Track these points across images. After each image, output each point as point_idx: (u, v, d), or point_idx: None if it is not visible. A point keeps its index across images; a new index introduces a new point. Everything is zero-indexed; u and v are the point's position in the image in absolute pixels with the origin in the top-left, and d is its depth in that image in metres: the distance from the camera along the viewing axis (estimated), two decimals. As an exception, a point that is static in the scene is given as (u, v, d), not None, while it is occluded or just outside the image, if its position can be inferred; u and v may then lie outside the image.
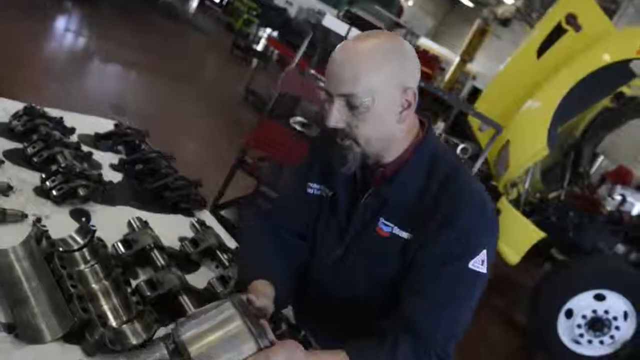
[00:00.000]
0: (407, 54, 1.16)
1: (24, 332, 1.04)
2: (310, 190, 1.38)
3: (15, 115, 1.76)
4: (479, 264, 1.14)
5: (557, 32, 4.43)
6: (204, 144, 5.56)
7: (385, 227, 1.22)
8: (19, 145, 1.68)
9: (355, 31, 5.36)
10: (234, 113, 7.28)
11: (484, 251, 1.15)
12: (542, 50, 4.50)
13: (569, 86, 4.16)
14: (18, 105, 1.83)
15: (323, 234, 1.35)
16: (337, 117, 1.15)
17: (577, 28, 4.38)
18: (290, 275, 1.34)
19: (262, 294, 1.17)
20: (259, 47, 12.15)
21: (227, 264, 1.56)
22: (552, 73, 4.33)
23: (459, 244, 1.14)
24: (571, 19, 4.39)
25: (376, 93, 1.12)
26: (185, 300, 1.31)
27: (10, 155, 1.61)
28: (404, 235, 1.20)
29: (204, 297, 1.40)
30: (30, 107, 1.80)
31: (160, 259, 1.40)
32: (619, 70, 4.19)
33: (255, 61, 10.87)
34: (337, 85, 1.13)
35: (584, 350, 4.09)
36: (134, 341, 1.14)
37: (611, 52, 4.14)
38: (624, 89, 4.77)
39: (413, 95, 1.16)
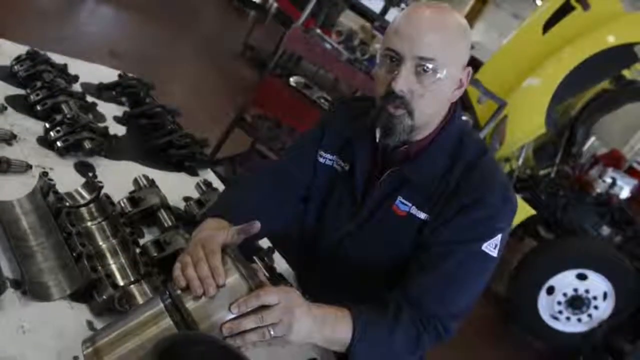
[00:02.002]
0: (470, 33, 1.15)
1: (31, 288, 1.02)
2: (321, 160, 1.36)
3: (18, 60, 1.69)
4: (492, 247, 1.14)
5: (565, 9, 4.35)
6: (200, 97, 5.45)
7: (403, 206, 1.21)
8: (21, 92, 1.62)
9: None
10: (231, 67, 7.10)
11: (500, 236, 1.15)
12: (548, 25, 4.42)
13: (573, 65, 4.12)
14: (20, 49, 1.76)
15: (334, 207, 1.33)
16: (404, 81, 1.09)
17: (586, 6, 4.30)
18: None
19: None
20: (257, -1, 11.76)
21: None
22: (556, 51, 4.27)
23: (479, 226, 1.13)
24: (580, -4, 4.32)
25: (448, 67, 1.10)
26: (191, 263, 1.29)
27: (13, 101, 1.56)
28: (422, 216, 1.19)
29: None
30: (34, 52, 1.72)
31: (167, 220, 1.38)
32: (623, 54, 4.16)
33: (252, 13, 10.55)
34: (417, 47, 1.07)
35: (560, 326, 4.21)
36: (141, 302, 1.13)
37: (618, 35, 4.08)
38: (624, 72, 4.75)
39: (467, 76, 1.15)
